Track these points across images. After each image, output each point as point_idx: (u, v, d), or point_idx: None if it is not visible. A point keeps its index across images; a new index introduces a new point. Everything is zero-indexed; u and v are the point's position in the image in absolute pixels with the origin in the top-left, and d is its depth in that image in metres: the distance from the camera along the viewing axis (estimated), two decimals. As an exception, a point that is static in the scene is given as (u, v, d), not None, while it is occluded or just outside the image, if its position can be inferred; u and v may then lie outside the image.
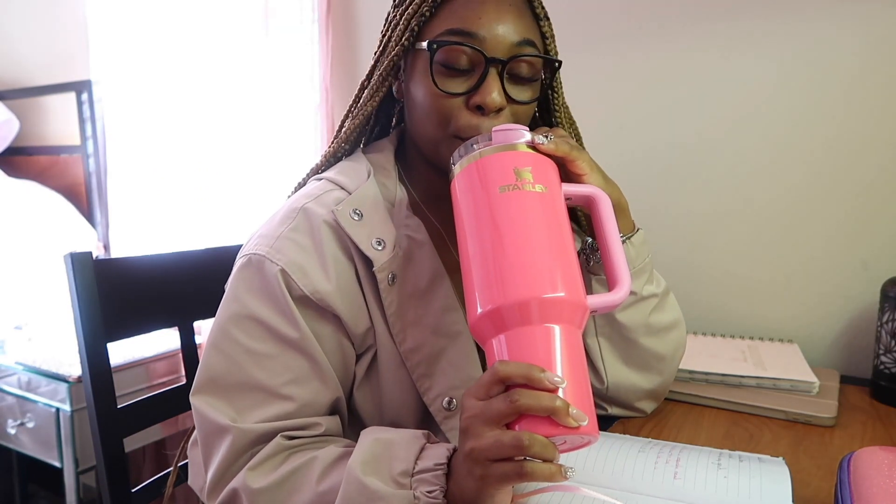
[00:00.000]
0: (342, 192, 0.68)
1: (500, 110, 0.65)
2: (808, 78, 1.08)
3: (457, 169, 0.57)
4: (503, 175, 0.53)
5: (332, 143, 0.75)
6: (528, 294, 0.48)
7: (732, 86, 1.14)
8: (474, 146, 0.57)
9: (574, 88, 0.89)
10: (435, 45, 0.64)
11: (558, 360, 0.48)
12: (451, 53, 0.64)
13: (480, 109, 0.64)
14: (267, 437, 0.60)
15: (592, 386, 0.75)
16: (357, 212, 0.66)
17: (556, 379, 0.46)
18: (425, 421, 0.68)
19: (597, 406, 0.79)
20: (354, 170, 0.71)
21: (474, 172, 0.55)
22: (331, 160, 0.75)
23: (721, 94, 1.15)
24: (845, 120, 1.06)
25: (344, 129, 0.74)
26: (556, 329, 0.49)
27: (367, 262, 0.65)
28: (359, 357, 0.69)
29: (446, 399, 0.66)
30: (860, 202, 1.06)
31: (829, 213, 1.09)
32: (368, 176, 0.71)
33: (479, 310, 0.50)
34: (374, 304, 0.66)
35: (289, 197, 0.74)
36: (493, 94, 0.63)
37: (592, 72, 1.25)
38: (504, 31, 0.64)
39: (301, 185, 0.76)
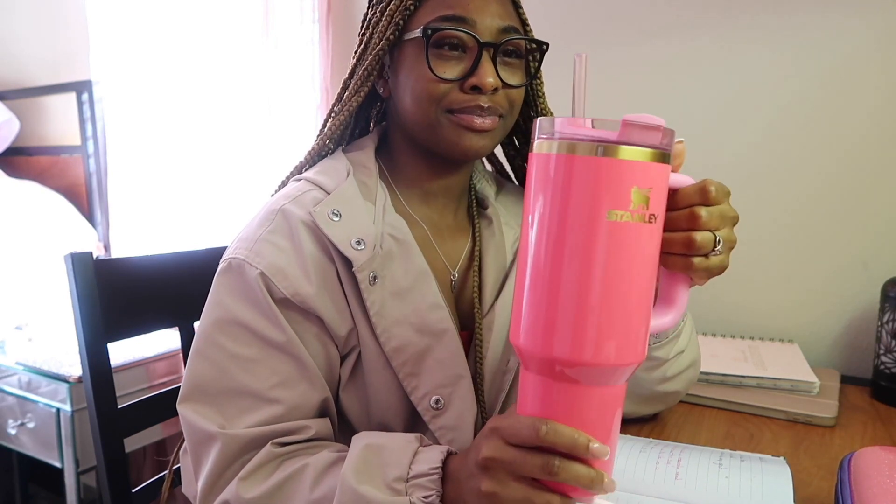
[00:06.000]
0: (321, 192, 0.67)
1: (495, 91, 0.66)
2: (809, 78, 1.08)
3: (551, 146, 0.41)
4: (617, 193, 0.39)
5: (317, 140, 0.75)
6: (601, 360, 0.41)
7: (732, 86, 1.14)
8: (585, 127, 0.41)
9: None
10: (430, 31, 0.64)
11: (605, 427, 0.43)
12: (443, 39, 0.65)
13: (475, 90, 0.65)
14: (256, 443, 0.59)
15: None
16: (336, 212, 0.65)
17: (597, 448, 0.42)
18: (413, 421, 0.68)
19: None
20: (334, 169, 0.70)
21: (578, 170, 0.40)
22: (315, 158, 0.74)
23: (721, 94, 1.15)
24: (846, 120, 1.06)
25: (327, 127, 0.74)
26: (615, 392, 0.43)
27: (347, 263, 0.64)
28: (343, 358, 0.68)
29: (434, 398, 0.66)
30: (860, 202, 1.06)
31: (829, 212, 1.09)
32: (348, 175, 0.70)
33: (535, 342, 0.42)
34: (356, 305, 0.65)
35: (272, 196, 0.73)
36: (489, 76, 0.64)
37: (592, 70, 1.25)
38: (491, 17, 0.65)
39: (283, 184, 0.76)
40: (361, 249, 0.64)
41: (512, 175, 0.89)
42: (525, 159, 0.84)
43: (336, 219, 0.64)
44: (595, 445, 0.43)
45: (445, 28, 0.64)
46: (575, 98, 0.45)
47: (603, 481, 0.44)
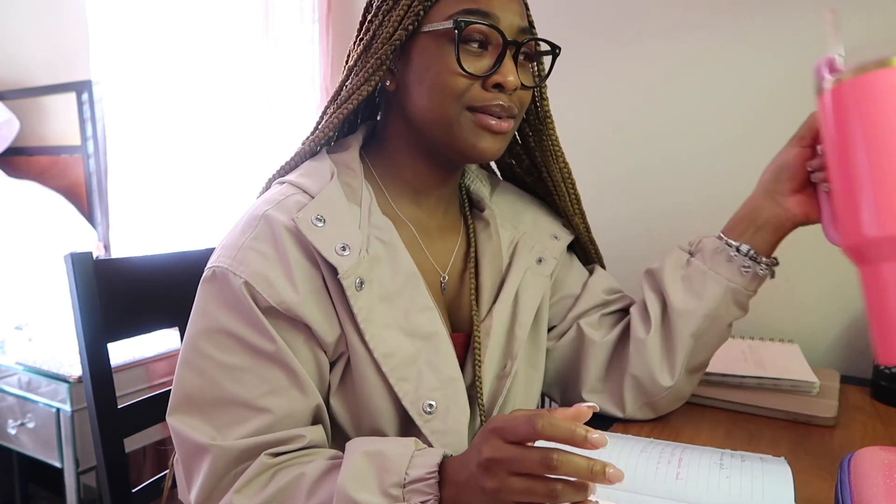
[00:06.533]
0: (304, 195, 0.65)
1: (514, 90, 0.65)
2: (810, 78, 1.08)
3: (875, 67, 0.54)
4: None
5: (314, 133, 0.72)
6: None
7: (736, 85, 1.14)
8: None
9: (580, 84, 0.89)
10: (463, 24, 0.62)
11: None
12: (470, 33, 0.63)
13: (497, 87, 0.64)
14: (248, 454, 0.58)
15: (658, 384, 0.77)
16: (319, 217, 0.62)
17: (595, 437, 0.44)
18: (405, 425, 0.66)
19: (618, 407, 0.80)
20: (318, 171, 0.68)
21: None
22: (315, 147, 0.72)
23: (724, 93, 1.15)
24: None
25: (330, 115, 0.71)
26: None
27: (333, 269, 0.62)
28: (332, 364, 0.66)
29: (427, 402, 0.64)
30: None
31: (829, 213, 1.09)
32: (332, 177, 0.67)
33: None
34: (343, 311, 0.63)
35: (258, 197, 0.71)
36: (512, 74, 0.64)
37: (595, 69, 1.25)
38: (513, 15, 0.65)
39: (267, 185, 0.74)
40: (346, 255, 0.62)
41: (498, 173, 0.88)
42: (514, 157, 0.84)
43: (320, 224, 0.62)
44: (594, 433, 0.44)
45: (475, 22, 0.63)
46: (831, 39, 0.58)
47: (605, 472, 0.44)
